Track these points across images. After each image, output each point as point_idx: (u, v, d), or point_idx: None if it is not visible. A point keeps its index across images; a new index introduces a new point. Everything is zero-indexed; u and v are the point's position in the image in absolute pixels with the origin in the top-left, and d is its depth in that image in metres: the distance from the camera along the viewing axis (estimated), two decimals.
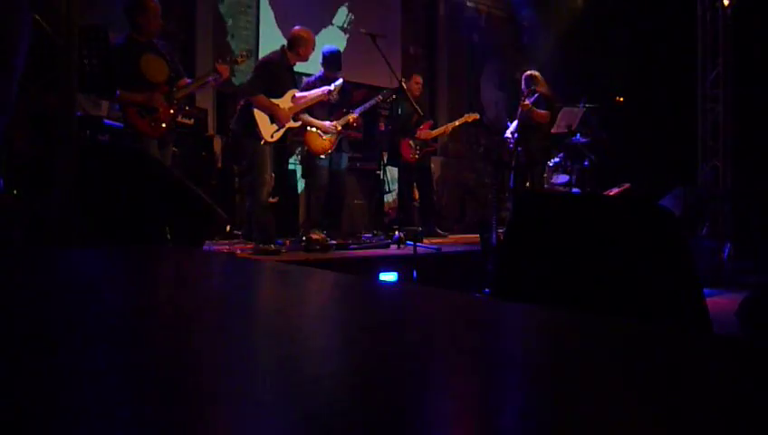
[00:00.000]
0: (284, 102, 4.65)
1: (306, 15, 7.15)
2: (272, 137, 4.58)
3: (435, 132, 6.23)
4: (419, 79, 6.30)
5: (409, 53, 8.74)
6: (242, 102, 4.77)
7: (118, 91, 3.93)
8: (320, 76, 5.14)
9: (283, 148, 5.12)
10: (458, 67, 9.26)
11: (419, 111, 5.97)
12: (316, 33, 5.37)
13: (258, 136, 4.53)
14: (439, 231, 6.16)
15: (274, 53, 4.80)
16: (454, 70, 9.18)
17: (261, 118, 4.54)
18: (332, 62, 5.16)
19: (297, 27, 4.83)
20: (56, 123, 3.31)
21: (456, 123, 6.43)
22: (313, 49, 4.80)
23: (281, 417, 0.39)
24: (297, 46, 4.70)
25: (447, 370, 0.53)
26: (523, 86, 6.08)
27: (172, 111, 4.04)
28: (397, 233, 5.10)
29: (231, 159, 5.65)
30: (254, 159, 4.61)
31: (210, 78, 4.23)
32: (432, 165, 6.61)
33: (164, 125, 3.98)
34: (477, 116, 6.29)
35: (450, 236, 6.41)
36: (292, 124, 4.72)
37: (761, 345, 0.65)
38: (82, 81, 3.45)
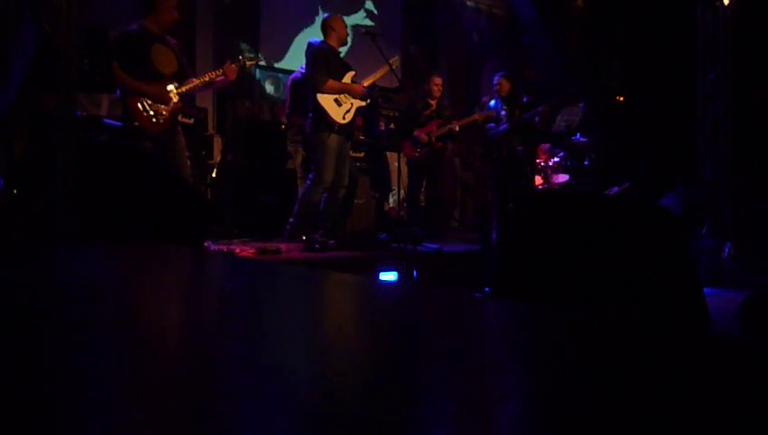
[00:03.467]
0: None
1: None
2: (343, 118, 4.52)
3: (440, 131, 6.20)
4: (438, 80, 6.28)
5: (409, 52, 8.74)
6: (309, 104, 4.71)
7: (119, 90, 3.87)
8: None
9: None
10: (458, 67, 9.26)
11: (428, 110, 5.98)
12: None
13: (330, 124, 4.47)
14: (439, 231, 6.16)
15: (317, 42, 4.79)
16: (454, 70, 9.18)
17: (327, 104, 4.50)
18: None
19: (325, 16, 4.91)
20: (56, 123, 3.31)
21: (464, 122, 6.40)
22: (346, 27, 4.79)
23: (281, 417, 0.39)
24: (330, 30, 4.72)
25: (447, 370, 0.53)
26: (523, 99, 6.09)
27: (177, 106, 4.01)
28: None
29: (252, 161, 5.58)
30: (318, 153, 4.53)
31: (218, 78, 4.20)
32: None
33: (164, 122, 3.92)
34: (493, 114, 6.20)
35: (450, 236, 6.41)
36: (360, 103, 4.70)
37: (761, 345, 0.65)
38: (82, 81, 3.44)
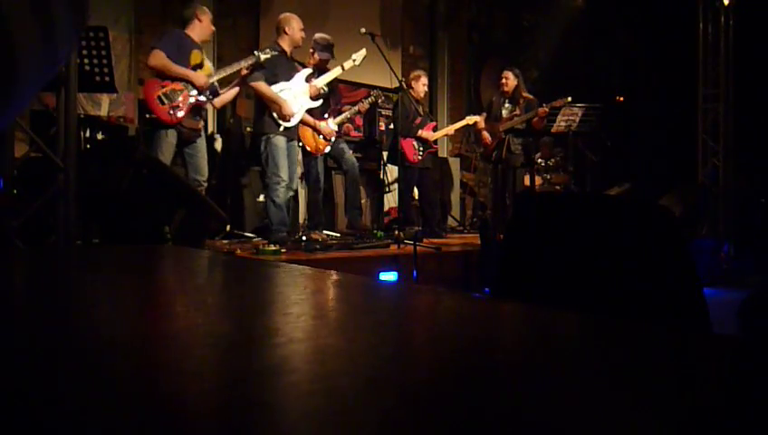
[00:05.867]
0: (296, 84, 4.69)
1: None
2: (288, 121, 4.58)
3: (437, 134, 6.20)
4: (426, 79, 6.29)
5: (409, 52, 8.74)
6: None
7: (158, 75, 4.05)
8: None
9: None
10: (458, 67, 9.26)
11: (420, 111, 5.97)
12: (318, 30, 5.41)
13: (275, 124, 4.55)
14: (438, 231, 6.15)
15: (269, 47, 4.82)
16: (454, 70, 9.18)
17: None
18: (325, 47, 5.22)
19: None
20: (56, 123, 3.31)
21: (458, 125, 6.42)
22: (301, 29, 4.77)
23: (281, 417, 0.39)
24: (281, 31, 4.76)
25: (448, 369, 0.53)
26: (524, 92, 6.00)
27: (197, 103, 4.15)
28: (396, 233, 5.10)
29: (251, 161, 5.62)
30: (267, 153, 4.61)
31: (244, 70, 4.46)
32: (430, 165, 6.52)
33: (181, 114, 4.02)
34: (479, 118, 6.18)
35: (450, 236, 6.40)
36: (312, 104, 4.73)
37: (761, 345, 0.65)
38: (82, 81, 3.44)
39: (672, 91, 7.86)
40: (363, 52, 5.03)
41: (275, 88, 4.61)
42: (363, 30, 4.91)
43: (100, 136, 4.60)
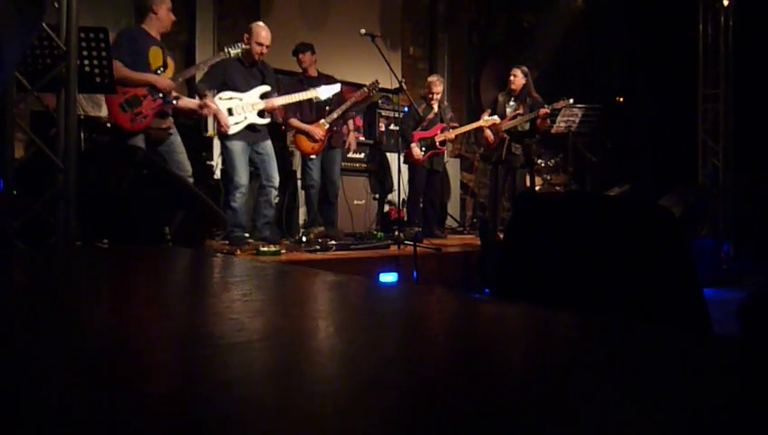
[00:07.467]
0: (249, 97, 4.66)
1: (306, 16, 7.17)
2: (229, 128, 4.57)
3: (443, 136, 6.15)
4: (439, 82, 6.32)
5: (409, 53, 8.74)
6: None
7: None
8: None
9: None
10: (458, 68, 9.26)
11: (420, 112, 5.98)
12: (317, 32, 5.43)
13: (219, 130, 4.57)
14: (438, 232, 6.15)
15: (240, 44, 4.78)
16: (454, 70, 9.17)
17: (222, 110, 4.56)
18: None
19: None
20: (56, 124, 3.31)
21: (473, 126, 6.37)
22: (258, 42, 4.63)
23: (283, 417, 0.39)
24: (246, 39, 4.67)
25: (448, 370, 0.53)
26: (533, 92, 5.94)
27: (156, 103, 3.98)
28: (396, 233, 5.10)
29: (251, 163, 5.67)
30: (225, 156, 4.64)
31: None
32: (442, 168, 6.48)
33: (146, 120, 3.94)
34: (497, 120, 6.04)
35: (450, 237, 6.40)
36: (257, 120, 4.69)
37: (761, 345, 0.65)
38: (82, 81, 3.44)
39: (672, 91, 7.86)
40: (336, 88, 5.05)
41: (224, 95, 4.57)
42: (363, 31, 4.91)
43: (100, 137, 4.59)
